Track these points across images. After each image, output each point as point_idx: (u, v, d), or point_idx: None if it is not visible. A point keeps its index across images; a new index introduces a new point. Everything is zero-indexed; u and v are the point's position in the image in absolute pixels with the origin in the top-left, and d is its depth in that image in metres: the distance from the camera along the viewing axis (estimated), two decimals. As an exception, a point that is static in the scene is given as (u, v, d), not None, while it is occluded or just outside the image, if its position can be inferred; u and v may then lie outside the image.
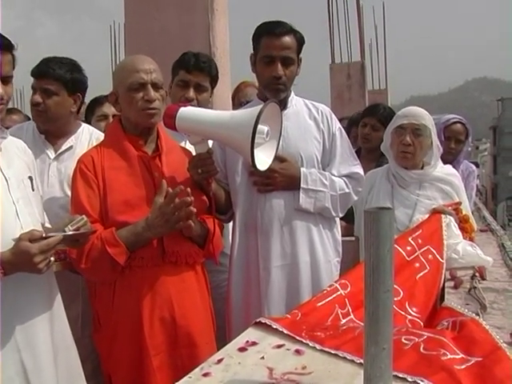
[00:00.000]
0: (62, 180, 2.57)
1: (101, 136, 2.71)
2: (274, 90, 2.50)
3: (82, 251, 2.08)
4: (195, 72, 2.76)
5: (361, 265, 2.03)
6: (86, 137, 2.72)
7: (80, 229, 1.88)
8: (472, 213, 2.98)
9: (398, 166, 2.80)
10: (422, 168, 2.80)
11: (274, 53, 2.45)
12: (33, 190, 1.98)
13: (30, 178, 1.99)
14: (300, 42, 2.51)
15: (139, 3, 4.06)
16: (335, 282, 1.95)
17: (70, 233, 1.86)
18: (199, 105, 2.70)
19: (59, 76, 2.54)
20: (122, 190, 2.17)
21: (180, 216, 2.10)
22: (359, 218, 2.91)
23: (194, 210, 2.12)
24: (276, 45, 2.45)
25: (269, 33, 2.46)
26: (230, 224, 2.73)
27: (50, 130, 2.62)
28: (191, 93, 2.74)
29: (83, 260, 2.09)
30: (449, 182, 2.76)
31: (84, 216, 1.93)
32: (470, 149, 3.94)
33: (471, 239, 2.55)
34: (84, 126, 2.79)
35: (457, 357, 1.36)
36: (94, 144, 2.62)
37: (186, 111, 2.24)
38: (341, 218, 2.75)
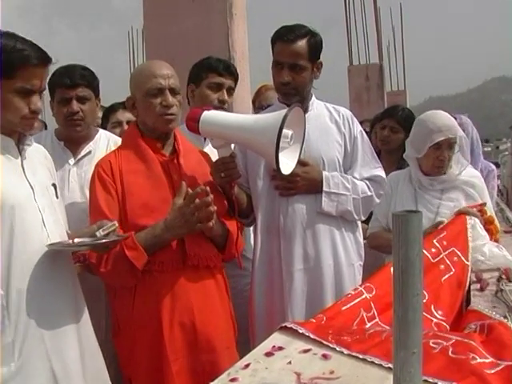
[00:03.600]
0: (82, 185, 2.59)
1: (118, 141, 2.73)
2: (282, 94, 2.54)
3: (101, 255, 2.08)
4: (227, 75, 2.78)
5: (385, 267, 2.02)
6: (104, 142, 2.76)
7: (110, 234, 1.89)
8: (495, 213, 2.94)
9: (420, 172, 2.80)
10: (445, 172, 2.78)
11: (282, 59, 2.46)
12: (57, 197, 2.00)
13: (54, 186, 2.00)
14: (314, 46, 2.49)
15: (158, 8, 4.08)
16: (360, 285, 1.94)
17: (103, 241, 1.87)
18: (228, 108, 2.72)
19: (89, 81, 2.61)
20: (141, 194, 2.17)
21: (200, 217, 2.09)
22: (380, 216, 2.88)
23: (215, 208, 2.11)
24: (285, 51, 2.46)
25: (279, 39, 2.48)
26: (251, 228, 2.73)
27: (71, 137, 2.66)
28: (225, 95, 2.77)
29: (102, 264, 2.08)
30: (471, 184, 2.75)
31: (115, 222, 1.94)
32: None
33: (496, 240, 2.52)
34: (101, 131, 2.84)
35: (486, 361, 1.34)
36: (112, 148, 2.65)
37: (210, 115, 2.25)
38: (363, 222, 2.74)
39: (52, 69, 2.01)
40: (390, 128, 3.66)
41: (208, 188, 2.10)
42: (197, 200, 2.07)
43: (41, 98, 1.84)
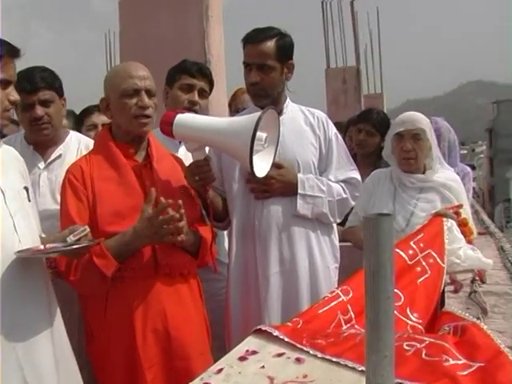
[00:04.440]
0: (53, 189, 2.54)
1: (89, 142, 2.70)
2: (252, 95, 2.55)
3: (70, 263, 2.04)
4: (199, 77, 2.77)
5: (362, 270, 2.02)
6: (75, 144, 2.70)
7: (81, 239, 1.86)
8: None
9: (401, 171, 2.83)
10: (424, 172, 2.81)
11: (251, 60, 2.47)
12: (29, 200, 1.96)
13: (26, 189, 1.96)
14: (283, 46, 2.49)
15: (134, 11, 4.07)
16: (336, 288, 1.93)
17: (75, 246, 1.84)
18: (201, 110, 2.70)
19: (51, 83, 2.54)
20: (112, 201, 2.14)
21: (169, 230, 2.05)
22: (359, 210, 2.90)
23: (184, 223, 2.07)
24: (252, 52, 2.47)
25: (247, 40, 2.49)
26: (225, 231, 2.72)
27: (40, 140, 2.60)
28: (196, 96, 2.74)
29: (72, 272, 2.05)
30: (448, 186, 2.77)
31: (87, 227, 1.91)
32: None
33: (470, 242, 2.54)
34: (72, 133, 2.78)
35: (459, 362, 1.34)
36: (83, 151, 2.62)
37: (184, 118, 2.23)
38: (338, 224, 2.75)
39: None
40: (366, 132, 3.68)
41: (180, 201, 2.06)
42: (170, 211, 2.03)
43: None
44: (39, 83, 2.50)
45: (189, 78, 2.75)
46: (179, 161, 2.43)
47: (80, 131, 3.22)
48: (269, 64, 2.45)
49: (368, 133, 3.66)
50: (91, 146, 2.59)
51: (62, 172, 2.36)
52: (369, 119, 3.70)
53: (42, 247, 1.85)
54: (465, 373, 1.30)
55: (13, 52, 1.82)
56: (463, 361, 1.35)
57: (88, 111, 3.31)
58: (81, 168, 2.18)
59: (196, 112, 2.59)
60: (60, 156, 2.63)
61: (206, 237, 2.28)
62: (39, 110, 2.51)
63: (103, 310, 2.13)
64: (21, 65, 2.44)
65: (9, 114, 1.86)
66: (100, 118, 3.21)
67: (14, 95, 1.83)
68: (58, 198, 2.46)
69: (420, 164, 2.80)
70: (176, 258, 2.19)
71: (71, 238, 1.84)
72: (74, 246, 1.84)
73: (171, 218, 2.03)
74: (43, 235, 2.04)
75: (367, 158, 3.68)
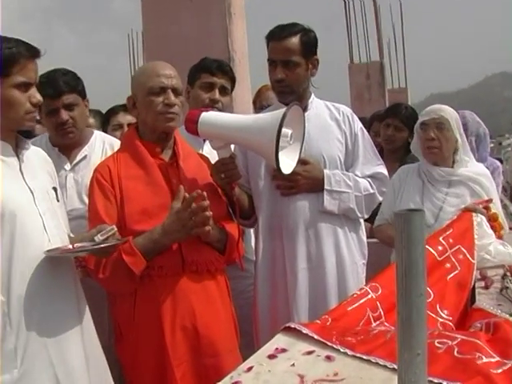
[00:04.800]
0: (79, 190, 2.56)
1: (114, 142, 2.72)
2: (278, 92, 2.55)
3: (99, 261, 2.06)
4: (219, 74, 2.76)
5: (391, 266, 2.00)
6: (100, 144, 2.71)
7: (109, 238, 1.88)
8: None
9: (428, 163, 2.79)
10: (453, 166, 2.77)
11: (275, 57, 2.47)
12: (58, 200, 1.98)
13: (54, 189, 1.99)
14: (308, 42, 2.48)
15: (156, 10, 4.07)
16: (365, 285, 1.92)
17: (103, 245, 1.86)
18: (223, 107, 2.70)
19: (74, 86, 2.54)
20: (140, 199, 2.15)
21: (196, 221, 2.07)
22: (386, 208, 2.87)
23: (210, 213, 2.08)
24: (277, 49, 2.46)
25: (272, 37, 2.49)
26: (252, 229, 2.71)
27: (65, 143, 2.61)
28: (217, 94, 2.73)
29: (101, 270, 2.06)
30: (478, 181, 2.73)
31: (114, 226, 1.93)
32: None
33: (500, 237, 2.50)
34: (96, 133, 2.79)
35: (492, 360, 1.32)
36: (108, 150, 2.64)
37: (209, 116, 2.23)
38: (366, 220, 2.73)
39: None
40: (394, 127, 3.64)
41: (205, 193, 2.07)
42: (193, 204, 2.05)
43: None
44: (62, 87, 2.50)
45: (209, 76, 2.74)
46: (205, 159, 2.43)
47: (106, 131, 3.24)
48: (294, 60, 2.44)
49: (396, 128, 3.63)
50: (116, 146, 2.60)
51: (87, 173, 2.37)
52: (397, 114, 3.66)
53: (70, 246, 1.88)
54: (499, 371, 1.28)
55: (32, 53, 1.81)
56: (497, 358, 1.33)
57: (114, 111, 3.33)
58: (108, 167, 2.20)
59: (218, 110, 2.59)
60: (85, 157, 2.64)
61: (233, 233, 2.28)
62: (64, 115, 2.51)
63: (132, 309, 2.14)
64: (45, 67, 2.46)
65: (33, 115, 1.85)
66: (125, 118, 3.22)
67: (37, 96, 1.83)
68: (85, 198, 2.48)
69: (445, 156, 2.75)
70: (202, 254, 2.19)
71: (99, 238, 1.86)
72: (102, 245, 1.86)
73: (199, 207, 2.04)
74: (72, 235, 2.06)
75: (394, 154, 3.65)
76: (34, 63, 1.83)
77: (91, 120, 3.46)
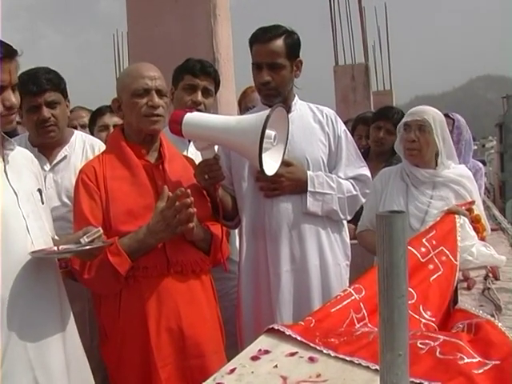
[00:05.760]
0: (59, 191, 2.53)
1: (95, 142, 2.70)
2: (264, 95, 2.54)
3: (84, 262, 2.05)
4: (202, 76, 2.75)
5: (374, 268, 2.00)
6: (80, 144, 2.67)
7: (95, 240, 1.87)
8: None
9: (410, 164, 2.79)
10: (436, 168, 2.77)
11: (260, 60, 2.46)
12: (42, 203, 1.95)
13: (39, 191, 1.95)
14: (292, 44, 2.48)
15: (141, 11, 4.06)
16: (349, 286, 1.92)
17: (88, 247, 1.84)
18: (206, 109, 2.70)
19: (56, 85, 2.52)
20: (125, 200, 2.15)
21: (181, 219, 2.07)
22: (368, 212, 2.87)
23: (194, 210, 2.08)
24: (262, 51, 2.46)
25: (256, 40, 2.48)
26: (236, 230, 2.71)
27: (45, 142, 2.57)
28: (199, 96, 2.73)
29: (86, 271, 2.06)
30: (462, 184, 2.73)
31: (100, 228, 1.91)
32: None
33: (483, 239, 2.52)
34: (76, 133, 2.75)
35: (474, 360, 1.33)
36: (89, 151, 2.62)
37: (192, 117, 2.23)
38: (349, 221, 2.74)
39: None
40: (386, 130, 3.67)
41: (188, 190, 2.08)
42: (177, 202, 2.06)
43: (14, 91, 1.78)
44: (45, 85, 2.47)
45: (191, 78, 2.74)
46: (190, 161, 2.43)
47: (92, 132, 3.22)
48: (279, 62, 2.44)
49: (388, 131, 3.66)
50: (97, 146, 2.59)
51: (67, 174, 2.34)
52: (390, 117, 3.68)
53: (55, 248, 1.86)
54: (480, 371, 1.28)
55: (7, 53, 1.73)
56: (478, 359, 1.34)
57: (100, 112, 3.31)
58: (93, 168, 2.19)
59: (201, 111, 2.58)
60: (65, 157, 2.60)
61: (217, 234, 2.28)
62: (46, 112, 2.48)
63: (117, 310, 2.14)
64: (28, 66, 2.43)
65: (6, 119, 1.77)
66: (112, 119, 3.21)
67: (11, 99, 1.75)
68: (65, 199, 2.46)
69: (425, 158, 2.74)
70: (187, 255, 2.19)
71: (85, 239, 1.85)
72: (87, 247, 1.84)
73: (182, 205, 2.05)
74: (56, 238, 2.03)
75: (381, 155, 3.68)
76: (9, 64, 1.74)
77: (85, 119, 3.44)
